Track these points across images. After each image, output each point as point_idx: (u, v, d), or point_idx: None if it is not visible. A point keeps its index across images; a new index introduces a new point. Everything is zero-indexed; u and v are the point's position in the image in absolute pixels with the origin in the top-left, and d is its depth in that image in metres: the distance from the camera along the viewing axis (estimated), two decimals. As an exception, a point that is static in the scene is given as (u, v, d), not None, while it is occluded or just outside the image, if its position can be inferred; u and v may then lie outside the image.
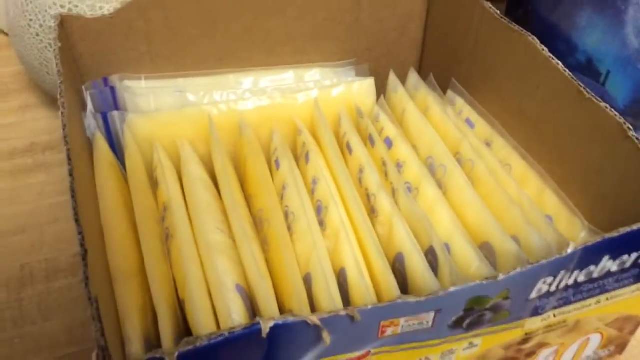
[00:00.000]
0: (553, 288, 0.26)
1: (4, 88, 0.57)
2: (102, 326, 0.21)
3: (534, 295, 0.26)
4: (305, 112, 0.40)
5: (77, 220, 0.24)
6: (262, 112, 0.39)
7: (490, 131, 0.39)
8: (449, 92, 0.42)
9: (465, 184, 0.34)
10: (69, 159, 0.27)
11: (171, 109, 0.39)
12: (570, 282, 0.27)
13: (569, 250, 0.24)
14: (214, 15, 0.40)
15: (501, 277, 0.24)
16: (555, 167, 0.36)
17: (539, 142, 0.36)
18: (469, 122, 0.40)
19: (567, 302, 0.28)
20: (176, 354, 0.20)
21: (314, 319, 0.21)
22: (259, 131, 0.39)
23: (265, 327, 0.21)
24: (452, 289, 0.23)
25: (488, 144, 0.39)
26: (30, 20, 0.44)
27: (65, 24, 0.37)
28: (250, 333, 0.21)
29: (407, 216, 0.33)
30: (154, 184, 0.36)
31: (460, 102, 0.41)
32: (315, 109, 0.39)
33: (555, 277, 0.26)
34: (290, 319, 0.21)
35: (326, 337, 0.22)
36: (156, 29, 0.39)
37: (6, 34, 0.62)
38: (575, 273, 0.26)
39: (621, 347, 0.34)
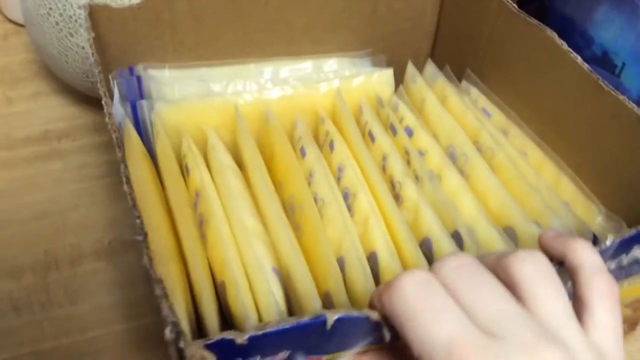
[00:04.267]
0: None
1: (14, 76, 0.57)
2: (171, 304, 0.22)
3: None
4: (327, 102, 0.41)
5: (134, 206, 0.25)
6: (286, 101, 0.40)
7: (505, 120, 0.41)
8: (464, 82, 0.44)
9: (487, 171, 0.35)
10: (118, 146, 0.28)
11: (195, 97, 0.40)
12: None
13: (608, 244, 0.26)
14: (237, 5, 0.41)
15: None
16: (571, 156, 0.37)
17: (555, 132, 0.38)
18: (485, 112, 0.42)
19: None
20: (247, 336, 0.21)
21: (375, 316, 0.22)
22: (283, 120, 0.40)
23: (330, 319, 0.22)
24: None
25: (504, 133, 0.40)
26: (50, 9, 0.44)
27: (93, 14, 0.37)
28: (315, 323, 0.22)
29: (432, 202, 0.35)
30: (183, 171, 0.37)
31: (475, 91, 0.43)
32: (338, 98, 0.40)
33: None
34: (354, 313, 0.22)
35: (386, 334, 0.23)
36: (181, 19, 0.40)
37: (13, 22, 0.62)
38: (608, 262, 0.28)
39: (633, 325, 0.36)
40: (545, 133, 0.39)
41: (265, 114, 0.39)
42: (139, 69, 0.40)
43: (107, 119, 0.29)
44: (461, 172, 0.37)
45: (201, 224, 0.34)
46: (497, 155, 0.37)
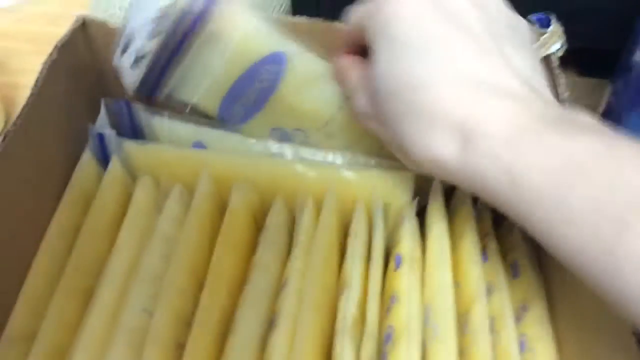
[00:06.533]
0: None
1: None
2: None
3: None
4: (319, 189, 0.33)
5: None
6: (269, 174, 0.33)
7: (535, 289, 0.30)
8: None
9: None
10: None
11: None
12: None
13: None
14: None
15: None
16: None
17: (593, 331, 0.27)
18: (513, 268, 0.31)
19: None
20: None
21: None
22: (264, 192, 0.33)
23: None
24: None
25: (523, 308, 0.29)
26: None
27: (88, 28, 0.33)
28: None
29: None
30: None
31: (517, 237, 0.32)
32: (330, 194, 0.32)
33: None
34: None
35: None
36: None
37: None
38: None
39: None
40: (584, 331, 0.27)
41: (233, 186, 0.32)
42: (136, 108, 0.35)
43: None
44: (424, 346, 0.27)
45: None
46: (479, 345, 0.27)
